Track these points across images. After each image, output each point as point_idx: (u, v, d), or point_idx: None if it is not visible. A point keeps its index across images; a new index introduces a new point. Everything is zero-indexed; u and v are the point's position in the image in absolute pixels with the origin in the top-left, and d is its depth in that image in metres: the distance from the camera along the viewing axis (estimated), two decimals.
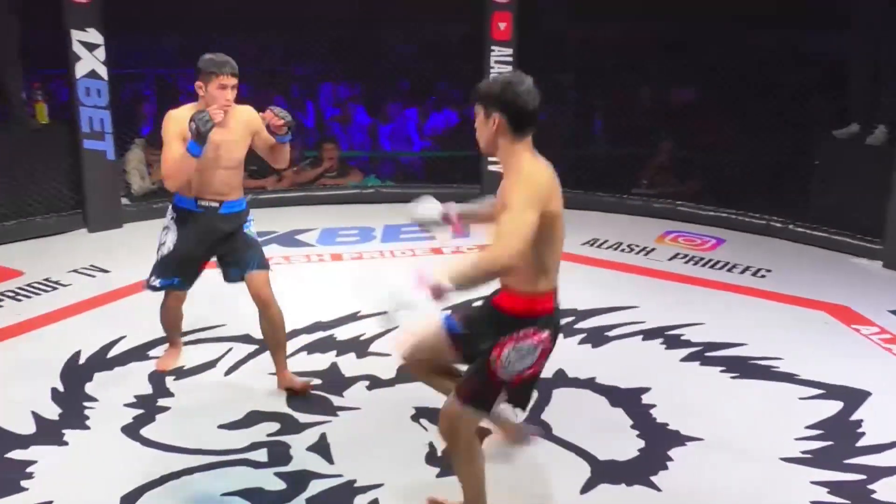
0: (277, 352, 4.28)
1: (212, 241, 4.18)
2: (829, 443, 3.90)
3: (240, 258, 4.18)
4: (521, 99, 2.74)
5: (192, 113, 3.93)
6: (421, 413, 4.09)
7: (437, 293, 2.59)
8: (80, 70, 6.52)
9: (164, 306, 4.47)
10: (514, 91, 2.74)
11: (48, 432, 3.93)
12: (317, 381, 4.38)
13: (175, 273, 4.23)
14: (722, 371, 4.61)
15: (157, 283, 4.28)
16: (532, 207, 2.66)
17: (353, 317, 5.18)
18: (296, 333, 4.91)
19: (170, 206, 4.24)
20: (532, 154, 2.82)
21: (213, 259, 4.28)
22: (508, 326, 2.88)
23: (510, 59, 7.36)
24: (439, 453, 3.78)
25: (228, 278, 4.25)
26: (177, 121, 3.98)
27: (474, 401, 2.96)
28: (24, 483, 3.54)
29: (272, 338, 4.26)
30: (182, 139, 3.91)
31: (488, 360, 2.90)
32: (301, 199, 7.74)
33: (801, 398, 4.32)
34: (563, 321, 5.06)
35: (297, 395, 4.23)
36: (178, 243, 4.17)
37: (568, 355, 4.73)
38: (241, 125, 4.08)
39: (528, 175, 2.74)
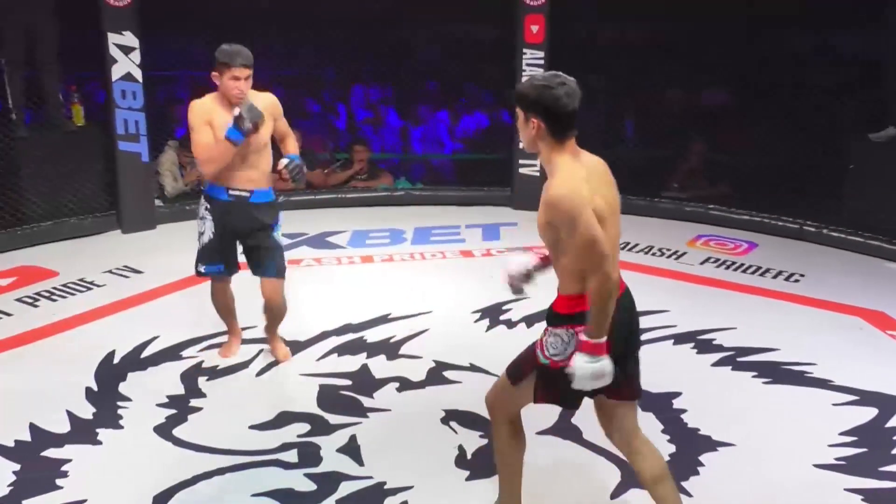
0: (270, 327, 4.62)
1: (242, 228, 4.29)
2: (864, 450, 3.85)
3: (260, 260, 4.31)
4: (559, 102, 2.72)
5: (212, 102, 4.11)
6: (451, 416, 4.10)
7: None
8: (116, 72, 6.59)
9: (213, 294, 4.58)
10: (552, 95, 2.72)
11: (82, 431, 3.98)
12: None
13: (219, 260, 4.37)
14: (754, 376, 4.57)
15: (203, 269, 4.42)
16: (584, 213, 2.67)
17: (384, 319, 5.20)
18: (326, 335, 4.94)
19: (202, 196, 4.34)
20: (572, 156, 2.81)
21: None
22: (552, 319, 2.91)
23: (542, 61, 7.34)
24: (469, 456, 3.79)
25: (252, 271, 4.41)
26: (200, 108, 4.13)
27: (511, 372, 3.02)
28: (58, 482, 3.59)
29: (269, 318, 4.55)
30: (208, 125, 4.04)
31: (534, 343, 2.96)
32: (332, 201, 7.77)
33: (834, 404, 4.27)
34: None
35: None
36: (215, 231, 4.29)
37: None
38: (265, 111, 4.15)
39: (572, 184, 2.72)
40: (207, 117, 4.08)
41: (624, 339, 2.90)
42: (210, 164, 4.12)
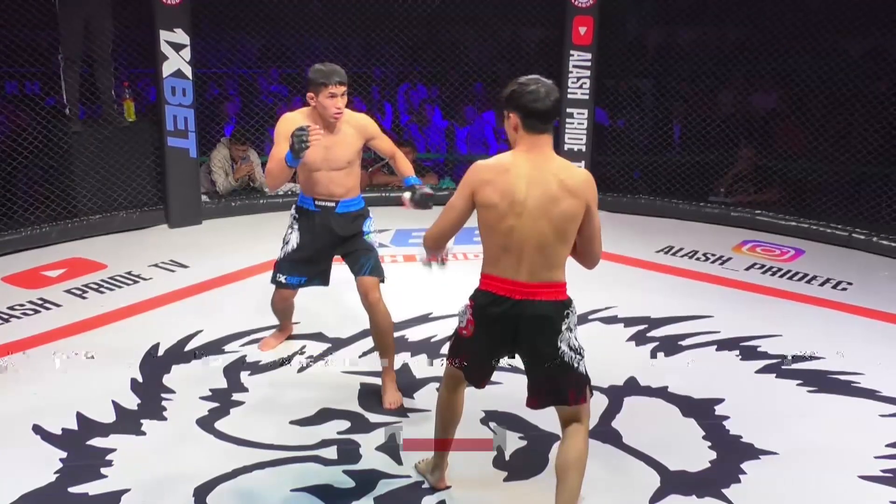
0: (382, 358, 4.30)
1: (331, 239, 4.27)
2: None
3: (354, 261, 4.27)
4: (525, 98, 3.01)
5: (302, 118, 4.07)
6: (490, 416, 4.10)
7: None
8: (167, 69, 6.69)
9: (276, 299, 4.59)
10: (525, 93, 3.01)
11: (127, 421, 4.05)
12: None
13: (302, 272, 4.36)
14: (799, 384, 4.50)
15: (283, 279, 4.39)
16: (458, 194, 3.14)
17: (426, 318, 5.21)
18: (366, 333, 4.93)
19: (294, 206, 4.37)
20: (526, 150, 3.05)
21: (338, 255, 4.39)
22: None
23: (589, 63, 7.31)
24: (507, 457, 3.79)
25: (352, 273, 4.34)
26: (288, 123, 4.07)
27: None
28: (103, 470, 3.66)
29: (376, 341, 4.32)
30: (289, 140, 3.99)
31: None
32: (376, 200, 7.78)
33: (882, 415, 4.20)
34: (636, 328, 5.09)
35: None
36: (300, 242, 4.30)
37: (640, 363, 4.70)
38: (352, 130, 4.16)
39: (474, 165, 3.12)
40: (290, 131, 3.98)
41: (497, 336, 3.18)
42: (269, 178, 4.14)
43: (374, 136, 4.26)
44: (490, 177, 3.05)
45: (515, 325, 3.12)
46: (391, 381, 4.29)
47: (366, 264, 4.24)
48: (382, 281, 4.28)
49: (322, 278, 4.43)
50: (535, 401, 3.26)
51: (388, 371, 4.29)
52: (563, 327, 3.11)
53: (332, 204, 4.23)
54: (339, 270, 4.45)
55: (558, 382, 3.16)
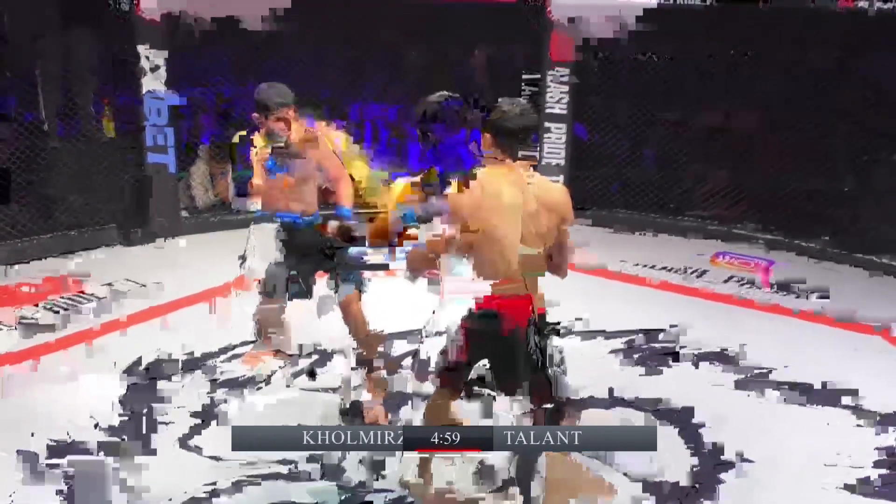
0: (366, 371, 4.35)
1: (312, 253, 4.26)
2: (889, 471, 3.84)
3: (334, 281, 4.30)
4: (501, 119, 3.11)
5: (257, 138, 4.11)
6: None
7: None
8: (146, 86, 6.69)
9: (264, 308, 4.53)
10: (500, 114, 3.12)
11: (110, 438, 4.02)
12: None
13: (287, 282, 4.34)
14: (777, 395, 4.57)
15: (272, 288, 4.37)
16: (448, 222, 3.17)
17: (408, 333, 5.22)
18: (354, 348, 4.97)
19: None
20: (502, 168, 3.11)
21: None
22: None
23: (567, 79, 7.39)
24: (496, 468, 3.81)
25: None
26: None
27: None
28: None
29: (355, 338, 4.36)
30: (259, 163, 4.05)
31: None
32: (363, 214, 7.79)
33: (856, 425, 4.28)
34: (616, 340, 5.14)
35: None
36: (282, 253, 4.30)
37: (620, 374, 4.74)
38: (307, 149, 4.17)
39: (452, 195, 3.14)
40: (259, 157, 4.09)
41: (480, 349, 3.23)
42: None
43: (352, 157, 4.27)
44: (476, 202, 3.10)
45: (500, 337, 3.17)
46: (376, 396, 4.31)
47: (344, 275, 4.25)
48: (361, 291, 4.30)
49: (303, 292, 4.40)
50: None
51: (369, 385, 4.33)
52: (546, 332, 3.20)
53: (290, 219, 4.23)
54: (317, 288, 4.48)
55: (537, 385, 3.24)
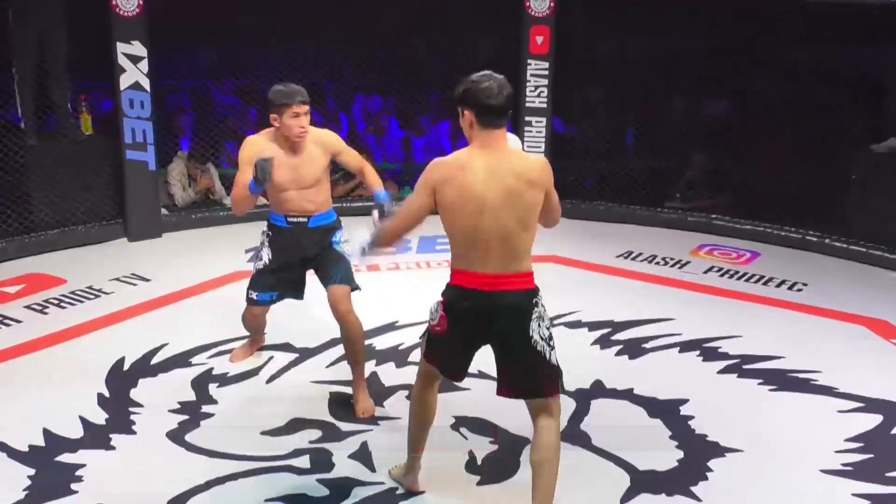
0: (353, 367, 4.30)
1: (303, 255, 4.29)
2: (870, 455, 3.89)
3: (325, 272, 4.28)
4: (479, 95, 3.06)
5: (265, 140, 4.13)
6: (460, 422, 4.14)
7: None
8: (125, 82, 6.64)
9: (247, 315, 4.58)
10: (477, 89, 3.07)
11: (96, 437, 4.01)
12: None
13: (273, 288, 4.36)
14: (760, 383, 4.61)
15: (255, 296, 4.39)
16: (417, 192, 3.17)
17: (391, 327, 5.24)
18: (335, 342, 4.95)
19: (265, 223, 4.37)
20: (480, 147, 3.11)
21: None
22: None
23: (546, 72, 7.41)
24: (479, 461, 3.83)
25: (322, 285, 4.34)
26: (251, 147, 4.14)
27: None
28: (73, 486, 3.62)
29: (348, 351, 4.31)
30: (253, 165, 4.01)
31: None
32: (336, 211, 7.79)
33: (840, 411, 4.32)
34: (600, 332, 5.17)
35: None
36: (271, 258, 4.31)
37: (605, 366, 4.78)
38: (318, 148, 4.19)
39: (432, 163, 3.16)
40: (253, 155, 4.05)
41: (471, 329, 3.22)
42: (235, 205, 4.25)
43: (339, 152, 4.29)
44: (448, 175, 3.11)
45: (486, 316, 3.17)
46: (363, 389, 4.30)
47: (336, 274, 4.24)
48: (354, 290, 4.29)
49: (295, 292, 4.44)
50: (508, 391, 3.27)
51: (358, 380, 4.30)
52: (534, 316, 3.16)
53: (305, 219, 4.25)
54: (307, 281, 4.46)
55: (533, 373, 3.19)
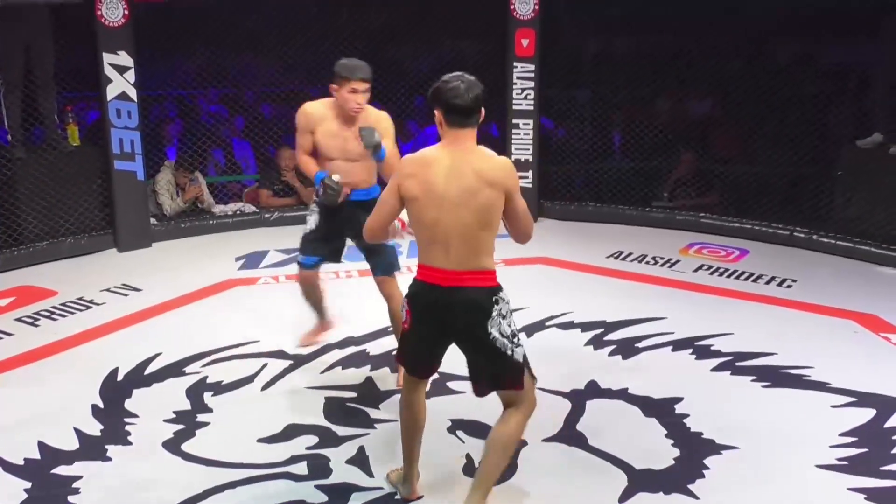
0: (397, 336, 4.40)
1: (343, 225, 4.39)
2: (864, 450, 3.92)
3: (371, 261, 4.43)
4: (446, 95, 3.14)
5: (323, 108, 4.32)
6: (457, 425, 4.14)
7: None
8: (112, 92, 6.62)
9: (301, 282, 4.61)
10: (446, 89, 3.15)
11: (91, 448, 4.00)
12: None
13: (316, 251, 4.46)
14: (753, 380, 4.63)
15: (302, 259, 4.50)
16: (388, 188, 3.28)
17: (385, 332, 5.23)
18: (328, 349, 4.98)
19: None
20: (447, 144, 3.19)
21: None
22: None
23: (532, 74, 7.44)
24: (476, 464, 3.83)
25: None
26: (308, 115, 4.34)
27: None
28: (70, 498, 3.61)
29: (393, 324, 4.51)
30: (311, 133, 4.29)
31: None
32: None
33: (833, 406, 4.34)
34: (592, 332, 5.19)
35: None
36: (318, 223, 4.42)
37: (599, 366, 4.79)
38: (368, 124, 4.22)
39: (402, 159, 3.32)
40: (312, 126, 4.30)
41: (432, 324, 3.27)
42: (301, 167, 4.51)
43: (383, 135, 4.26)
44: (413, 170, 3.20)
45: (446, 312, 3.22)
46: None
47: (380, 264, 4.39)
48: (397, 271, 4.45)
49: (335, 256, 4.57)
50: (476, 387, 3.37)
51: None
52: (494, 313, 3.20)
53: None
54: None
55: (493, 369, 3.26)
